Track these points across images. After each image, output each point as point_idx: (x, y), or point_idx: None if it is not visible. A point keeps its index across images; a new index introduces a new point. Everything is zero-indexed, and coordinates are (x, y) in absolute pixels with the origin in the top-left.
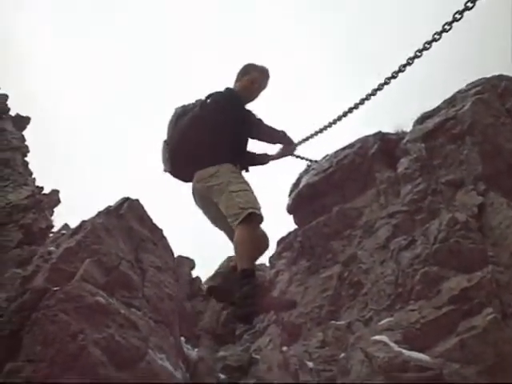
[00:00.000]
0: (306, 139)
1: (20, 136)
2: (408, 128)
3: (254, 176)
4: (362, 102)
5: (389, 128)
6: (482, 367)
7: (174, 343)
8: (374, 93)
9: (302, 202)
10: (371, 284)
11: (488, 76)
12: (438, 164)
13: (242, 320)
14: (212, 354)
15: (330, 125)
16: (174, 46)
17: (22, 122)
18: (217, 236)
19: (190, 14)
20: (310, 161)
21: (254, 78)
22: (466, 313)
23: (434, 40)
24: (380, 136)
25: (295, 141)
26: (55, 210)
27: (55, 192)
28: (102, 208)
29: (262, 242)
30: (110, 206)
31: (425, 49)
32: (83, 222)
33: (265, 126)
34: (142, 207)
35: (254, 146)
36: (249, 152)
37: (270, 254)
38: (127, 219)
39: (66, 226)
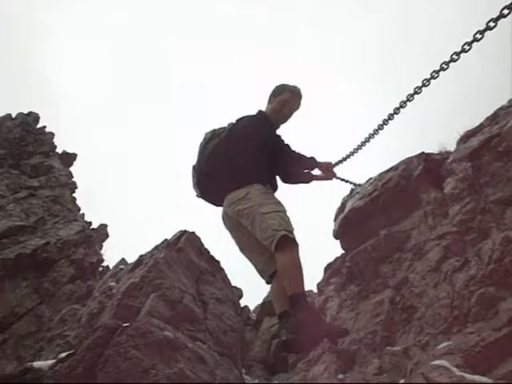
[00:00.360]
0: (343, 160)
1: (68, 172)
2: (451, 147)
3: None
4: (388, 119)
5: (432, 148)
6: None
7: (239, 375)
8: (396, 112)
9: (348, 226)
10: (425, 307)
11: None
12: (485, 182)
13: (293, 349)
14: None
15: (363, 143)
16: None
17: (69, 158)
18: None
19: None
20: (354, 184)
21: (285, 100)
22: None
23: (452, 60)
24: (424, 157)
25: (332, 162)
26: (104, 244)
27: (103, 226)
28: (153, 241)
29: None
30: (167, 240)
31: (442, 69)
32: (141, 256)
33: (292, 152)
34: (199, 239)
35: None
36: (291, 169)
37: (318, 281)
38: (186, 252)
39: (123, 261)
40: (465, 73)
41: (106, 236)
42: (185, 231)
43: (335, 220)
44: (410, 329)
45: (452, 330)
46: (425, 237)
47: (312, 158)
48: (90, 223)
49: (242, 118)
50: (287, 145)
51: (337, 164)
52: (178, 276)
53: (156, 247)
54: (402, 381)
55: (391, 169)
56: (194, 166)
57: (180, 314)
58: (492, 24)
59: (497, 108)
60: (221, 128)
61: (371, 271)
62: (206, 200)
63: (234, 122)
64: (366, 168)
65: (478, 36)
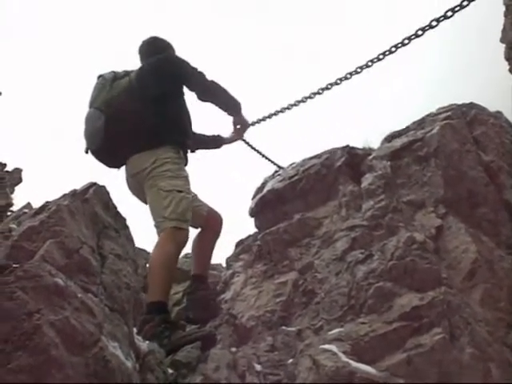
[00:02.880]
0: (261, 120)
1: None
2: (376, 145)
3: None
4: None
5: (358, 143)
6: None
7: (128, 333)
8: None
9: (264, 206)
10: (324, 294)
11: (459, 103)
12: (401, 183)
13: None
14: (161, 348)
15: (283, 110)
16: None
17: None
18: None
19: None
20: (278, 166)
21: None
22: (415, 330)
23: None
24: (348, 149)
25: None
26: (16, 188)
27: (18, 170)
28: (66, 190)
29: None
30: (75, 190)
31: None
32: (47, 202)
33: (219, 87)
34: (108, 194)
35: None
36: (199, 134)
37: (228, 255)
38: (92, 204)
39: (28, 205)
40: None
41: (20, 180)
42: (94, 183)
43: (253, 198)
44: (307, 312)
45: (346, 318)
46: (336, 226)
47: (238, 102)
48: (5, 165)
49: (149, 61)
50: (204, 75)
51: (256, 122)
52: (80, 226)
53: (63, 195)
54: (290, 360)
55: (315, 156)
56: (97, 108)
57: (75, 263)
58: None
59: (425, 114)
60: (121, 71)
61: (280, 253)
62: (100, 155)
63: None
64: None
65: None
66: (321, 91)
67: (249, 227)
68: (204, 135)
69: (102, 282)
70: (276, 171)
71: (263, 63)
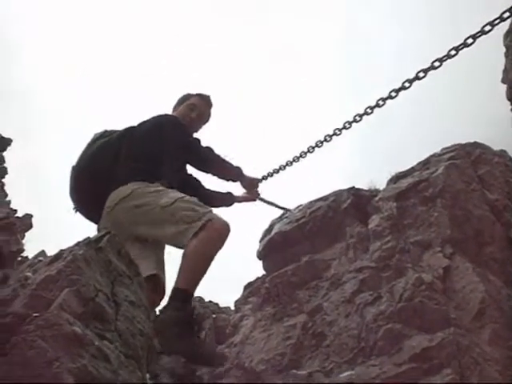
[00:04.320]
0: (270, 175)
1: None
2: (381, 186)
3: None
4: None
5: (363, 184)
6: None
7: (142, 378)
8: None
9: (272, 248)
10: (334, 336)
11: (463, 142)
12: (408, 224)
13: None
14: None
15: (291, 162)
16: None
17: (3, 142)
18: None
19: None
20: (284, 209)
21: (193, 104)
22: (425, 372)
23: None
24: (353, 191)
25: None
26: (26, 234)
27: (28, 216)
28: (77, 238)
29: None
30: (89, 238)
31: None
32: (62, 250)
33: (216, 156)
34: (121, 242)
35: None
36: (208, 189)
37: (237, 298)
38: (106, 253)
39: (42, 253)
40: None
41: (30, 226)
42: (108, 232)
43: (261, 241)
44: (317, 355)
45: (357, 360)
46: (344, 268)
47: (238, 166)
48: (16, 211)
49: (146, 121)
50: (209, 147)
51: (263, 179)
52: (95, 274)
53: (77, 243)
54: None
55: (321, 198)
56: (73, 167)
57: (91, 311)
58: (422, 74)
59: (430, 155)
60: (114, 130)
61: (288, 295)
62: (82, 211)
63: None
64: (294, 195)
65: (407, 84)
66: (328, 138)
67: (256, 269)
68: (214, 191)
69: (116, 329)
70: (283, 213)
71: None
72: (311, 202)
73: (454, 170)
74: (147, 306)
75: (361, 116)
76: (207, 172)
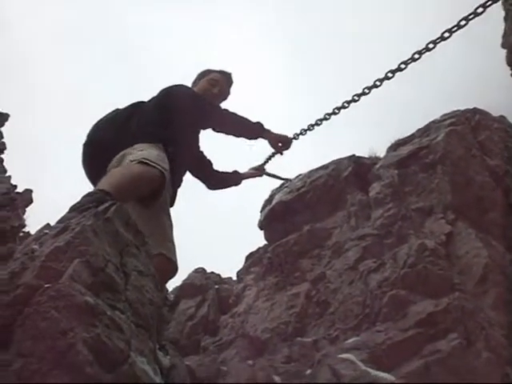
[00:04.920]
0: (302, 133)
1: None
2: (382, 153)
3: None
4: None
5: (363, 151)
6: None
7: (153, 348)
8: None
9: (273, 218)
10: (338, 303)
11: (462, 108)
12: (409, 191)
13: None
14: (183, 363)
15: (303, 133)
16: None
17: (1, 118)
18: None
19: None
20: (285, 179)
21: (214, 80)
22: (431, 337)
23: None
24: (354, 159)
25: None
26: (27, 209)
27: (28, 191)
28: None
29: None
30: (96, 209)
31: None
32: (68, 221)
33: (233, 113)
34: (128, 212)
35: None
36: (218, 171)
37: (239, 269)
38: (114, 223)
39: (47, 226)
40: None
41: (31, 201)
42: (115, 202)
43: (262, 211)
44: (322, 322)
45: (361, 327)
46: (345, 236)
47: (258, 122)
48: (16, 186)
49: (158, 93)
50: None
51: (294, 138)
52: (103, 245)
53: (85, 215)
54: (308, 371)
55: (321, 167)
56: (83, 143)
57: (102, 281)
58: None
59: (429, 121)
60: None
61: (291, 264)
62: (93, 180)
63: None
64: (295, 165)
65: (402, 66)
66: (346, 104)
67: (257, 240)
68: (223, 172)
69: (127, 299)
70: (283, 183)
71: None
72: (311, 172)
73: (454, 136)
74: (155, 275)
75: (369, 89)
76: (227, 132)
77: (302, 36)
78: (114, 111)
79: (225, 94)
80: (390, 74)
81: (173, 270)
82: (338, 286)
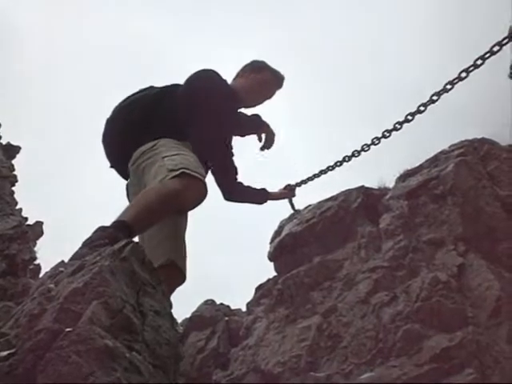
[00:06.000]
0: (305, 181)
1: (9, 165)
2: (391, 184)
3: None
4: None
5: (372, 182)
6: None
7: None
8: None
9: (283, 250)
10: (351, 337)
11: (470, 138)
12: (419, 222)
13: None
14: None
15: (324, 171)
16: None
17: (12, 150)
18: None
19: None
20: (295, 210)
21: (265, 81)
22: (446, 372)
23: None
24: (363, 190)
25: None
26: (38, 242)
27: (39, 224)
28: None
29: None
30: (113, 248)
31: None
32: (84, 260)
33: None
34: (143, 251)
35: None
36: (244, 185)
37: (248, 300)
38: (130, 262)
39: (62, 263)
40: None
41: (41, 234)
42: (130, 241)
43: (271, 242)
44: (335, 357)
45: (375, 361)
46: (356, 268)
47: (263, 189)
48: (26, 219)
49: (193, 79)
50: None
51: (297, 185)
52: (121, 285)
53: (94, 249)
54: None
55: (331, 198)
56: (106, 119)
57: (120, 323)
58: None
59: (438, 152)
60: (159, 87)
61: (301, 296)
62: (116, 168)
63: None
64: (303, 196)
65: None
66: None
67: (267, 271)
68: (250, 187)
69: (144, 340)
70: (292, 214)
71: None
72: (320, 203)
73: (463, 167)
74: (171, 314)
75: (390, 132)
76: (240, 197)
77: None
78: (147, 89)
79: (271, 96)
80: (409, 117)
81: (181, 280)
82: (350, 320)
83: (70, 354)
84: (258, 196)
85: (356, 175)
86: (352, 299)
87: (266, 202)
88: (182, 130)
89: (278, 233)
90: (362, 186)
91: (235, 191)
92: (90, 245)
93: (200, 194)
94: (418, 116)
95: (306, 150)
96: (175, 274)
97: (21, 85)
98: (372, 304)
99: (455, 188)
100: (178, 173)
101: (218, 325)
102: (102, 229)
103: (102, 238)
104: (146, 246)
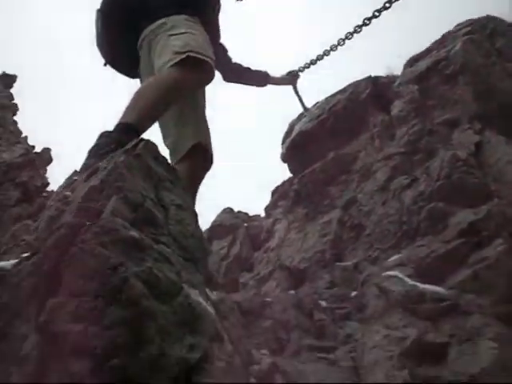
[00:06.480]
0: (308, 66)
1: (8, 94)
2: (399, 71)
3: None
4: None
5: (380, 71)
6: (497, 297)
7: (202, 281)
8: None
9: (296, 149)
10: (374, 225)
11: (475, 17)
12: (432, 105)
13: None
14: (229, 298)
15: (327, 52)
16: None
17: (9, 79)
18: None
19: None
20: (304, 108)
21: None
22: (475, 245)
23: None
24: (371, 80)
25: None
26: (48, 168)
27: (47, 150)
28: None
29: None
30: (126, 147)
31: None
32: (97, 167)
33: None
34: (157, 147)
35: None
36: (241, 65)
37: (266, 205)
38: (145, 158)
39: (76, 173)
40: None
41: (50, 160)
42: (142, 139)
43: (283, 143)
44: (359, 245)
45: (401, 244)
46: (372, 158)
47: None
48: (33, 147)
49: None
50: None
51: (299, 71)
52: (138, 181)
53: (103, 157)
54: (354, 293)
55: (338, 92)
56: (97, 10)
57: (142, 216)
58: None
59: (444, 32)
60: None
61: (319, 193)
62: (111, 62)
63: None
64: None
65: None
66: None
67: (281, 174)
68: (248, 68)
69: (170, 233)
70: (301, 113)
71: None
72: (328, 98)
73: (471, 45)
74: (194, 210)
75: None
76: (238, 77)
77: None
78: None
79: None
80: None
81: (210, 163)
82: (371, 208)
83: (95, 247)
84: (258, 77)
85: (362, 69)
86: (371, 188)
87: (266, 85)
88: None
89: (288, 133)
90: (370, 76)
91: (233, 70)
92: (97, 153)
93: (205, 78)
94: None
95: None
96: (203, 157)
97: None
98: (392, 190)
99: (465, 67)
100: (183, 56)
101: (239, 231)
102: (106, 134)
103: (108, 144)
104: (167, 139)
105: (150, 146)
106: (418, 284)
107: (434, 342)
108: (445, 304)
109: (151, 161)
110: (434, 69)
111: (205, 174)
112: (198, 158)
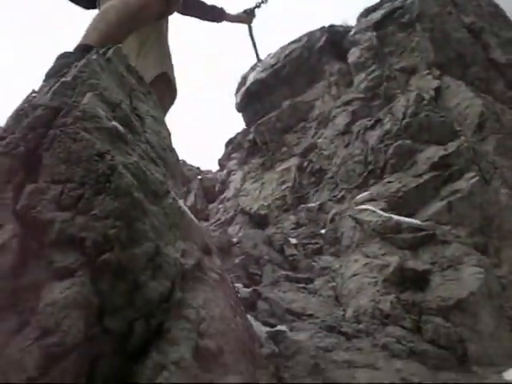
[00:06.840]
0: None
1: None
2: (353, 23)
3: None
4: None
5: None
6: (472, 229)
7: (181, 196)
8: None
9: (250, 99)
10: (337, 167)
11: None
12: (389, 51)
13: None
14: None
15: None
16: None
17: None
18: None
19: None
20: (257, 56)
21: None
22: (447, 179)
23: None
24: (326, 29)
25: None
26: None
27: None
28: None
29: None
30: (96, 49)
31: None
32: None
33: None
34: (127, 57)
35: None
36: (199, 0)
37: (219, 157)
38: (116, 64)
39: (34, 91)
40: None
41: None
42: (110, 46)
43: (237, 93)
44: (323, 187)
45: (368, 183)
46: (329, 106)
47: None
48: None
49: None
50: None
51: (258, 5)
52: (112, 85)
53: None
54: (322, 231)
55: (293, 41)
56: None
57: (121, 118)
58: None
59: None
60: None
61: (276, 141)
62: None
63: None
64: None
65: None
66: None
67: (233, 128)
68: (204, 2)
69: (148, 141)
70: (255, 63)
71: None
72: (283, 47)
73: None
74: (167, 126)
75: None
76: (193, 10)
77: None
78: None
79: None
80: None
81: (174, 94)
82: (333, 152)
83: (78, 131)
84: (214, 13)
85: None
86: (331, 133)
87: (221, 21)
88: None
89: (242, 83)
90: (324, 26)
91: (189, 2)
92: (56, 76)
93: (171, 4)
94: None
95: None
96: (168, 87)
97: None
98: (354, 132)
99: (422, 15)
100: None
101: (193, 183)
102: (65, 55)
103: (68, 65)
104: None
105: (121, 53)
106: (393, 216)
107: (415, 268)
108: (422, 234)
109: (123, 69)
110: (390, 17)
111: (170, 105)
112: (162, 88)
